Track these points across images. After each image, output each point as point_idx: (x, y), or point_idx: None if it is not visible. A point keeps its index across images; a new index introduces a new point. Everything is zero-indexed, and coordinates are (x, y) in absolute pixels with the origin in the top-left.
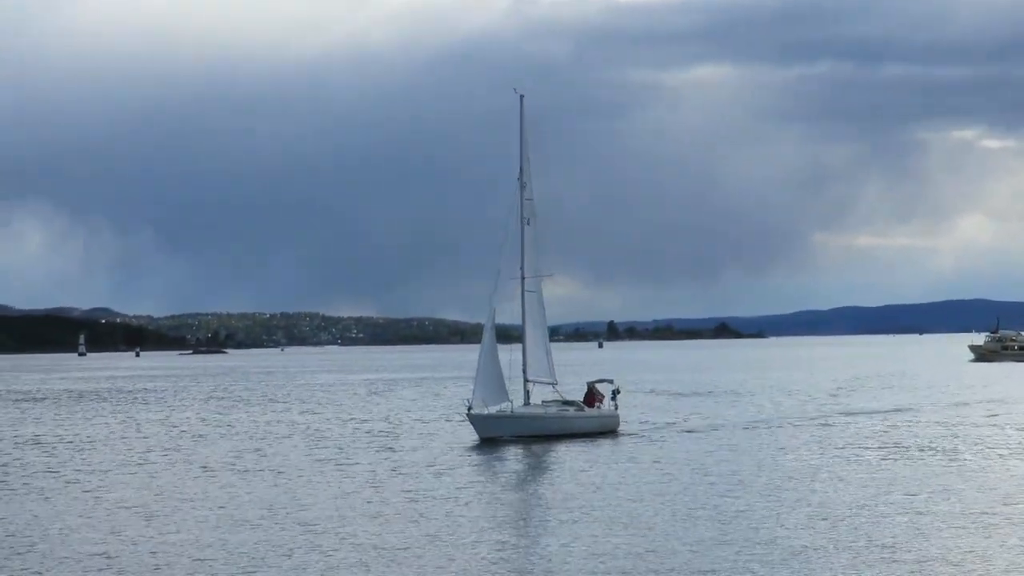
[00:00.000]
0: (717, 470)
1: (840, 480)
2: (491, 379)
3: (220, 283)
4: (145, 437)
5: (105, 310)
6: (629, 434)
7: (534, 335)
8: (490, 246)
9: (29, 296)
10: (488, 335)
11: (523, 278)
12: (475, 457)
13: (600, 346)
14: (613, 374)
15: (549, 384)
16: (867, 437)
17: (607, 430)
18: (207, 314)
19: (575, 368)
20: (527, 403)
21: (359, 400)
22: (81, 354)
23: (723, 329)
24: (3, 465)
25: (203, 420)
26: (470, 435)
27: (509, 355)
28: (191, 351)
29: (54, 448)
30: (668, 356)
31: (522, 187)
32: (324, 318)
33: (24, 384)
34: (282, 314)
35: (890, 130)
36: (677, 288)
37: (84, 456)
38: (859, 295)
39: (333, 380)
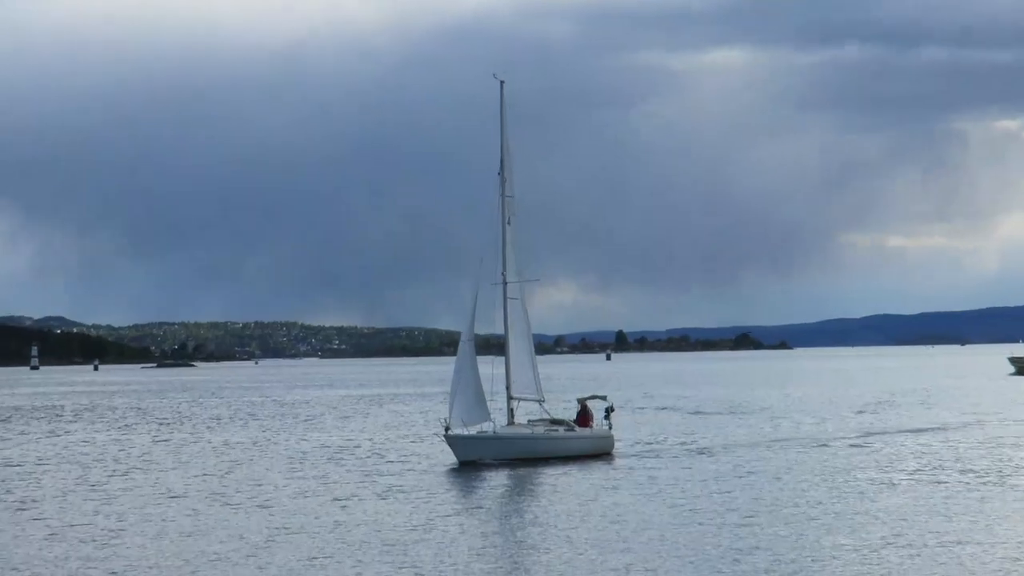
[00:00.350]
0: (723, 497)
1: (868, 507)
2: (471, 396)
3: (188, 289)
4: (102, 459)
5: (60, 319)
6: (625, 456)
7: (518, 347)
8: (491, 246)
9: None
10: (466, 346)
11: (505, 283)
12: (452, 483)
13: (608, 358)
14: (621, 389)
15: (536, 401)
16: (895, 459)
17: (600, 452)
18: (173, 323)
19: (580, 384)
20: (511, 422)
21: (335, 419)
22: (33, 368)
23: (743, 339)
24: None
25: (166, 441)
26: (448, 457)
27: (491, 369)
28: (155, 364)
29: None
30: (682, 369)
31: (503, 182)
32: (303, 327)
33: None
34: (256, 323)
35: (925, 119)
36: (693, 295)
37: (33, 480)
38: (892, 302)
39: (311, 396)
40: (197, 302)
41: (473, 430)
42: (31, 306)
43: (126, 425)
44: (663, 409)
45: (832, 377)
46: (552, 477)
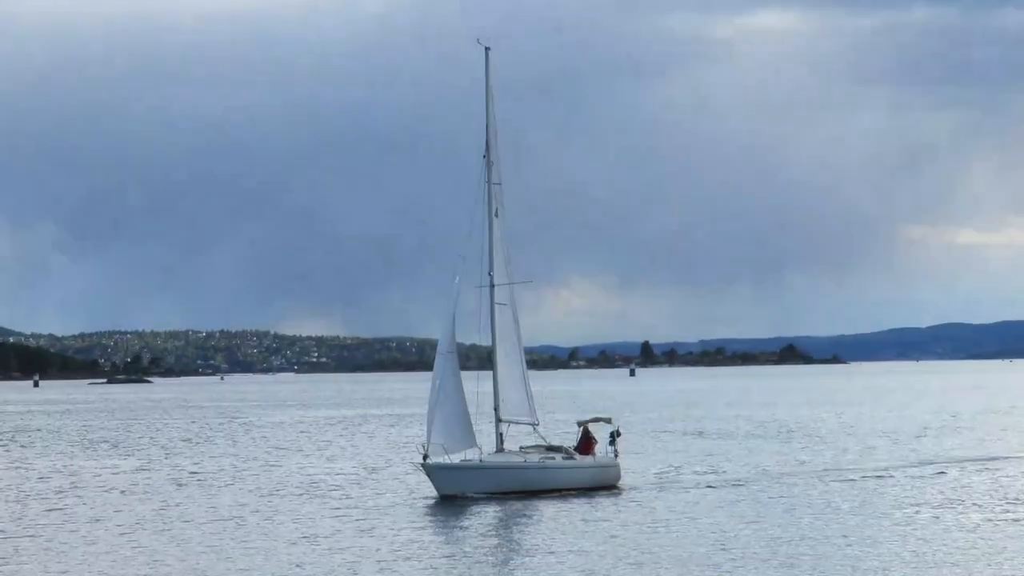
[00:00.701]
0: (749, 537)
1: (927, 547)
2: (453, 418)
3: (142, 293)
4: (39, 491)
5: None
6: (634, 488)
7: (509, 361)
8: (474, 243)
9: None
10: (446, 360)
11: (492, 286)
12: (429, 521)
13: (632, 373)
14: (646, 409)
15: (529, 425)
16: (959, 493)
17: (605, 483)
18: (126, 332)
19: (602, 403)
20: (500, 449)
21: (307, 444)
22: None
23: (789, 352)
24: None
25: (114, 468)
26: (428, 489)
27: (476, 386)
28: (105, 380)
29: None
30: (717, 387)
31: (488, 167)
32: (276, 337)
33: None
34: (222, 332)
35: (1005, 95)
36: (730, 299)
37: None
38: (965, 309)
39: (283, 418)
40: (152, 308)
41: (456, 458)
42: None
43: (69, 451)
44: (692, 434)
45: (893, 396)
46: (548, 514)
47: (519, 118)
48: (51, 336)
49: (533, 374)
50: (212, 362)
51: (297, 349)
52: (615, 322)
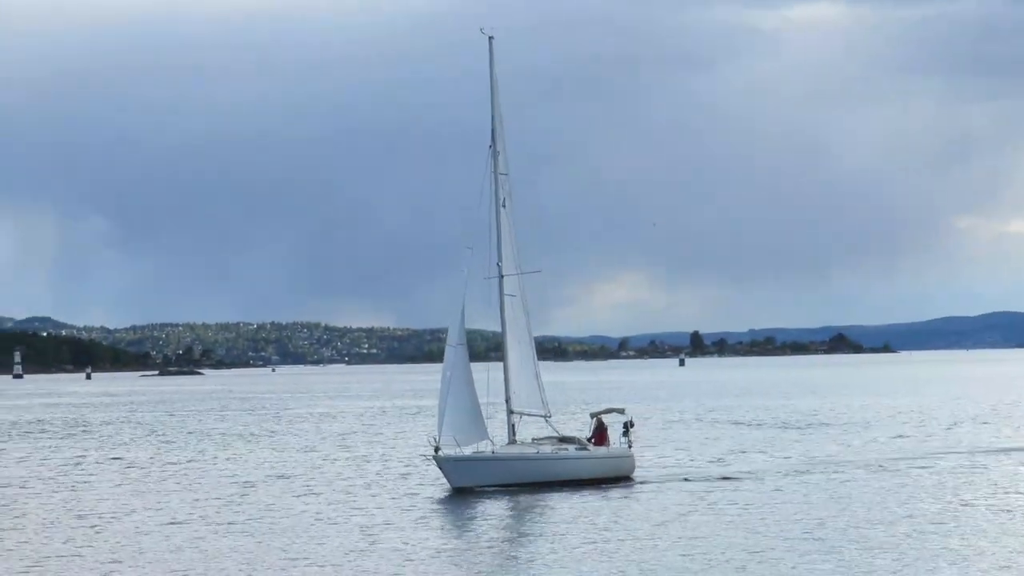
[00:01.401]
0: (770, 528)
1: (973, 539)
2: (464, 410)
3: (193, 286)
4: (90, 482)
5: (46, 320)
6: (648, 481)
7: (519, 352)
8: (539, 237)
9: None
10: (456, 352)
11: (501, 277)
12: (443, 516)
13: (681, 363)
14: (693, 399)
15: (541, 417)
16: (1011, 483)
17: (619, 475)
18: (177, 325)
19: (652, 394)
20: (512, 441)
21: (330, 435)
22: (16, 376)
23: (839, 342)
24: None
25: (164, 461)
26: (440, 482)
27: (486, 377)
28: (157, 372)
29: None
30: (767, 376)
31: (495, 156)
32: (327, 329)
33: None
34: (273, 324)
35: None
36: (779, 290)
37: (10, 507)
38: (1016, 297)
39: (332, 408)
40: (204, 300)
41: (467, 450)
42: (12, 305)
43: (122, 443)
44: (739, 424)
45: (943, 385)
46: (561, 506)
47: (566, 112)
48: (103, 329)
49: (583, 364)
50: (263, 354)
51: (347, 340)
52: (665, 313)
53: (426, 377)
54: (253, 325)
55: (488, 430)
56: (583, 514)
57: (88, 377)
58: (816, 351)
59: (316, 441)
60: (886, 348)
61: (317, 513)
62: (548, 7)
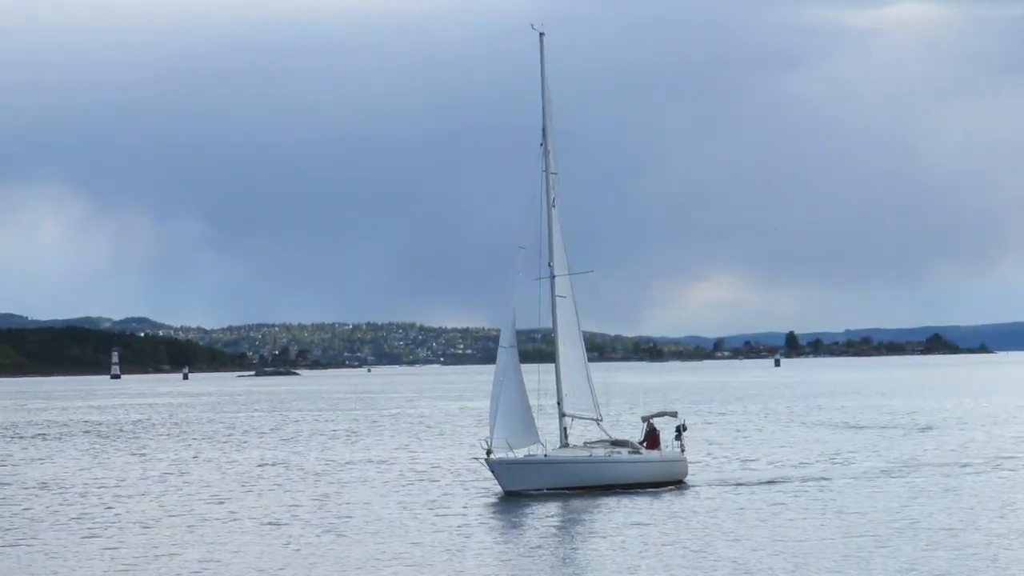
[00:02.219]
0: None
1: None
2: (515, 413)
3: (289, 286)
4: (189, 482)
5: (143, 321)
6: (701, 484)
7: (570, 354)
8: (632, 237)
9: (47, 304)
10: (508, 354)
11: (552, 277)
12: (494, 521)
13: (777, 364)
14: (788, 400)
15: (592, 420)
16: None
17: (672, 479)
18: (273, 325)
19: (750, 394)
20: (564, 444)
21: (393, 436)
22: (114, 376)
23: (935, 342)
24: (9, 516)
25: (263, 461)
26: (491, 485)
27: (537, 379)
28: (253, 372)
29: (72, 494)
30: (863, 377)
31: (545, 155)
32: (422, 329)
33: (42, 414)
34: (368, 325)
35: None
36: (875, 290)
37: (110, 506)
38: None
39: (428, 410)
40: (300, 301)
41: (519, 454)
42: (110, 306)
43: (217, 444)
44: (830, 425)
45: None
46: (617, 510)
47: (659, 112)
48: (200, 329)
49: (678, 365)
50: (359, 354)
51: (443, 341)
52: (760, 313)
53: (539, 377)
54: (349, 325)
55: (539, 433)
56: (639, 518)
57: (185, 377)
58: (912, 352)
59: (391, 441)
60: (982, 348)
61: (367, 516)
62: (645, 7)
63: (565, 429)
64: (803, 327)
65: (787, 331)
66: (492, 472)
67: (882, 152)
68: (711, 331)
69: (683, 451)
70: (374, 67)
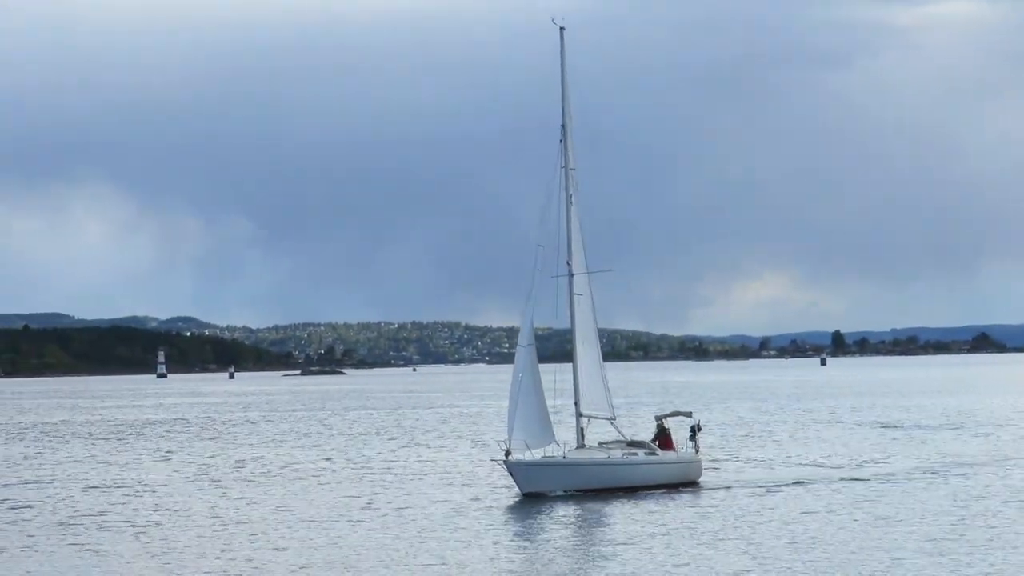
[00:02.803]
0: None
1: None
2: (533, 413)
3: (334, 285)
4: (236, 480)
5: (189, 320)
6: (716, 486)
7: (587, 354)
8: (678, 236)
9: (94, 304)
10: (526, 352)
11: (571, 275)
12: (511, 525)
13: (823, 363)
14: (833, 399)
15: (606, 419)
16: None
17: (687, 480)
18: (319, 324)
19: (795, 392)
20: (581, 445)
21: (415, 436)
22: (160, 375)
23: (982, 341)
24: (53, 514)
25: (304, 459)
26: (508, 487)
27: (554, 378)
28: (299, 371)
29: (117, 494)
30: (908, 376)
31: (564, 151)
32: (467, 328)
33: (88, 413)
34: (414, 324)
35: None
36: (922, 288)
37: (155, 504)
38: None
39: (471, 409)
40: (345, 300)
41: (537, 455)
42: (156, 305)
43: (263, 442)
44: (856, 425)
45: None
46: (632, 514)
47: (704, 111)
48: (245, 329)
49: (724, 364)
50: (404, 353)
51: (488, 340)
52: (806, 312)
53: (555, 376)
54: (394, 325)
55: (555, 434)
56: (659, 520)
57: (231, 377)
58: (959, 351)
59: (406, 442)
60: None
61: (384, 517)
62: (692, 7)
63: (582, 430)
64: (849, 326)
65: (833, 330)
66: (510, 474)
67: (928, 149)
68: (757, 330)
69: (697, 451)
70: (422, 66)
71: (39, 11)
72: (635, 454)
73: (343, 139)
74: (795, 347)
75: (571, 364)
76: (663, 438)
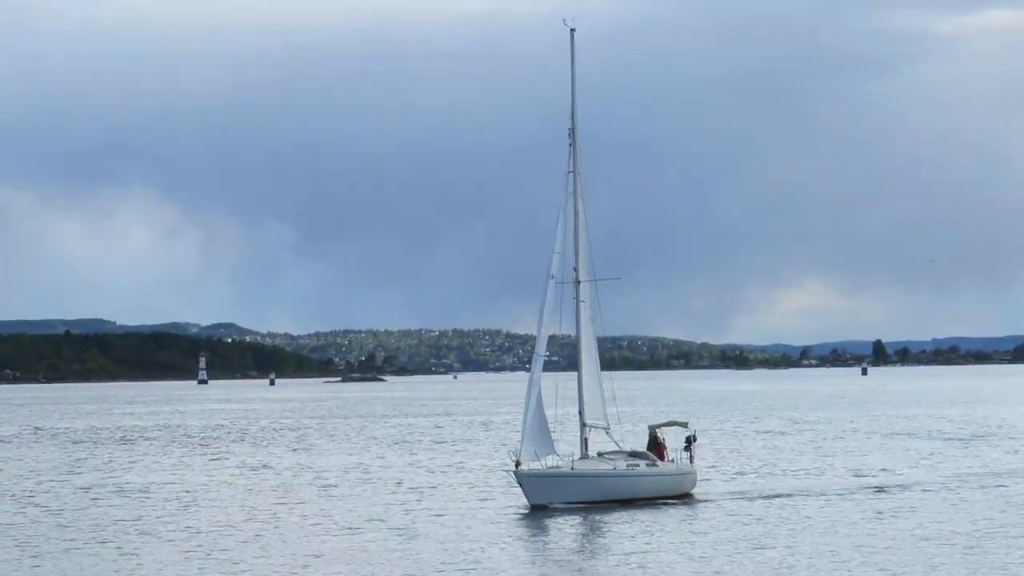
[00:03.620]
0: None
1: None
2: (538, 423)
3: (375, 292)
4: (274, 487)
5: (230, 326)
6: (712, 499)
7: (589, 364)
8: (720, 246)
9: (135, 309)
10: (539, 363)
11: (577, 283)
12: (518, 543)
13: (864, 372)
14: (873, 409)
15: (602, 429)
16: None
17: (682, 491)
18: (360, 331)
19: (832, 402)
20: (584, 455)
21: (432, 444)
22: (201, 382)
23: None
24: (93, 519)
25: (344, 467)
26: (516, 499)
27: (555, 387)
28: (340, 378)
29: (155, 499)
30: (948, 386)
31: (573, 155)
32: (508, 336)
33: (129, 418)
34: (455, 331)
35: None
36: (963, 298)
37: (192, 510)
38: None
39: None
40: (386, 307)
41: (540, 465)
42: (197, 311)
43: (301, 448)
44: (896, 435)
45: None
46: (634, 526)
47: (745, 120)
48: (286, 335)
49: (763, 373)
50: (445, 361)
51: (529, 348)
52: (847, 321)
53: (556, 386)
54: (435, 332)
55: (555, 444)
56: (654, 531)
57: (272, 383)
58: (1000, 361)
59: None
60: None
61: (394, 526)
62: (729, 14)
63: (585, 440)
64: (890, 335)
65: (874, 339)
66: (521, 485)
67: (969, 158)
68: (798, 339)
69: (692, 462)
70: (463, 72)
71: (84, 15)
72: (637, 465)
73: (386, 145)
74: (836, 356)
75: (576, 372)
76: (656, 448)
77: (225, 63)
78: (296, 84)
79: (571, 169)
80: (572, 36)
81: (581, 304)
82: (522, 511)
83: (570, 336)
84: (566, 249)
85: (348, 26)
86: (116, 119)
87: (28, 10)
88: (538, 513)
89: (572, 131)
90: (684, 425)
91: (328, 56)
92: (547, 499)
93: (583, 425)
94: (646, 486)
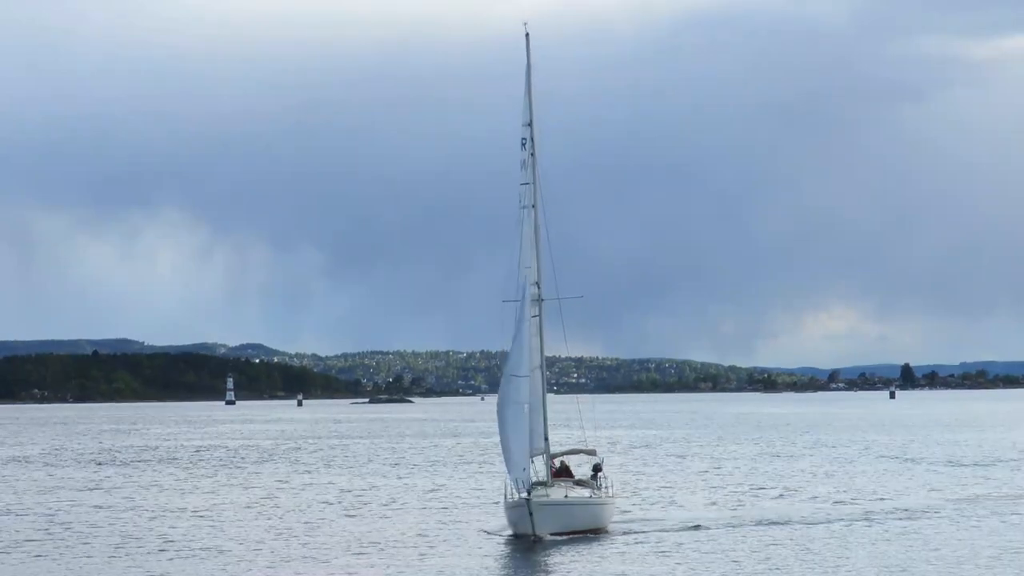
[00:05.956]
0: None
1: None
2: (525, 448)
3: (403, 314)
4: (301, 507)
5: (258, 347)
6: (631, 532)
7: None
8: (751, 267)
9: (163, 330)
10: (525, 383)
11: (540, 300)
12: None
13: (892, 396)
14: (901, 432)
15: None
16: None
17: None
18: (387, 353)
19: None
20: (547, 482)
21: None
22: (229, 402)
23: None
24: (121, 536)
25: (372, 487)
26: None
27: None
28: (367, 399)
29: (183, 519)
30: (975, 410)
31: (532, 164)
32: None
33: (157, 439)
34: (482, 353)
35: None
36: (992, 322)
37: (221, 530)
38: None
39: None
40: (413, 328)
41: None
42: (225, 332)
43: (329, 468)
44: (893, 459)
45: None
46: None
47: (774, 145)
48: (314, 356)
49: (791, 396)
50: (472, 383)
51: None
52: (875, 345)
53: (616, 407)
54: (463, 353)
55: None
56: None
57: (299, 404)
58: None
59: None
60: None
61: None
62: (765, 41)
63: (550, 467)
64: (919, 359)
65: (903, 363)
66: (531, 513)
67: (1000, 184)
68: (826, 362)
69: (608, 491)
70: (491, 95)
71: (115, 41)
72: (592, 495)
73: (414, 169)
74: (864, 380)
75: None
76: (566, 476)
77: (258, 88)
78: (327, 109)
79: (532, 182)
80: (527, 40)
81: (533, 319)
82: (513, 540)
83: (597, 358)
84: (521, 264)
85: (383, 50)
86: (147, 143)
87: (62, 35)
88: (518, 544)
89: (529, 141)
90: (592, 452)
91: (362, 81)
92: (555, 529)
93: (547, 450)
94: (603, 516)
